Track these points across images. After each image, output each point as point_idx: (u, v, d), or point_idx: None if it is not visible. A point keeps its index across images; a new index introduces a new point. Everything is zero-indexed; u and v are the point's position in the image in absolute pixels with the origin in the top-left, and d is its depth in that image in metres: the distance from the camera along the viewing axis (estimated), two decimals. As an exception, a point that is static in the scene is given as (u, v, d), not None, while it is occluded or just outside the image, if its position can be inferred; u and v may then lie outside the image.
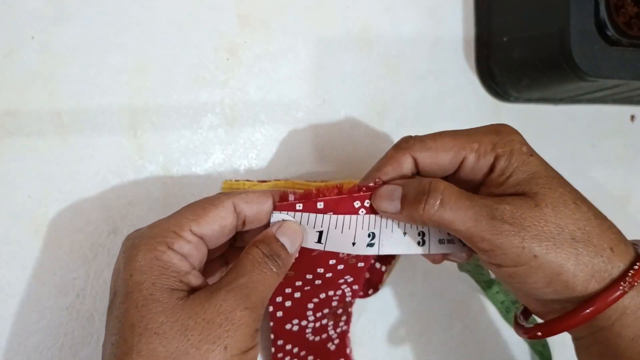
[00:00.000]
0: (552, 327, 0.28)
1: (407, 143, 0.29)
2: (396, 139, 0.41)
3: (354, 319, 0.39)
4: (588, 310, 0.26)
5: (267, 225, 0.29)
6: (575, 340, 0.30)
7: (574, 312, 0.26)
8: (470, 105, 0.44)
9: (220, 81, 0.36)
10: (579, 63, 0.36)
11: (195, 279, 0.26)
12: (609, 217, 0.28)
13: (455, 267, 0.41)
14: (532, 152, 0.28)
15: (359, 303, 0.39)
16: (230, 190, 0.32)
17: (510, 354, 0.45)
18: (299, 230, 0.29)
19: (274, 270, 0.27)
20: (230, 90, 0.37)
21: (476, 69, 0.44)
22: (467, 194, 0.27)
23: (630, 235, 0.28)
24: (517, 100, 0.45)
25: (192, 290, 0.26)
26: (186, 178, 0.35)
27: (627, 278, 0.26)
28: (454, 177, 0.29)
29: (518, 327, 0.31)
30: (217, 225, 0.27)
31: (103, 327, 0.33)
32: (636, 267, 0.26)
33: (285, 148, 0.38)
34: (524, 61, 0.41)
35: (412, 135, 0.30)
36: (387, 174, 0.29)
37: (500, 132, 0.29)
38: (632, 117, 0.51)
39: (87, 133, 0.33)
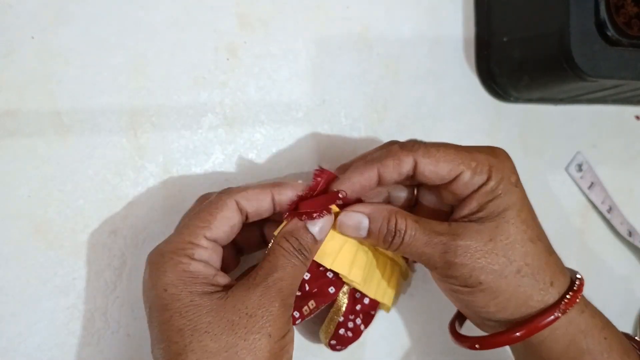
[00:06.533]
0: (487, 342, 0.32)
1: (412, 146, 0.31)
2: (396, 138, 0.41)
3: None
4: (518, 334, 0.30)
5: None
6: (513, 350, 0.35)
7: (507, 332, 0.31)
8: (470, 105, 0.44)
9: (220, 81, 0.36)
10: (579, 63, 0.36)
11: (222, 279, 0.29)
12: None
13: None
14: (517, 183, 0.31)
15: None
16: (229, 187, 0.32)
17: (510, 353, 0.45)
18: (330, 217, 0.31)
19: (302, 262, 0.30)
20: (230, 90, 0.37)
21: (476, 69, 0.44)
22: (427, 231, 0.30)
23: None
24: (517, 100, 0.45)
25: (225, 288, 0.28)
26: (186, 178, 0.35)
27: (560, 306, 0.30)
28: (445, 189, 0.32)
29: (455, 335, 0.35)
30: (227, 226, 0.29)
31: (103, 327, 0.33)
32: (567, 297, 0.30)
33: (285, 148, 0.38)
34: (524, 61, 0.41)
35: (417, 139, 0.32)
36: (387, 167, 0.31)
37: (497, 155, 0.31)
38: (638, 117, 0.51)
39: (87, 133, 0.33)
